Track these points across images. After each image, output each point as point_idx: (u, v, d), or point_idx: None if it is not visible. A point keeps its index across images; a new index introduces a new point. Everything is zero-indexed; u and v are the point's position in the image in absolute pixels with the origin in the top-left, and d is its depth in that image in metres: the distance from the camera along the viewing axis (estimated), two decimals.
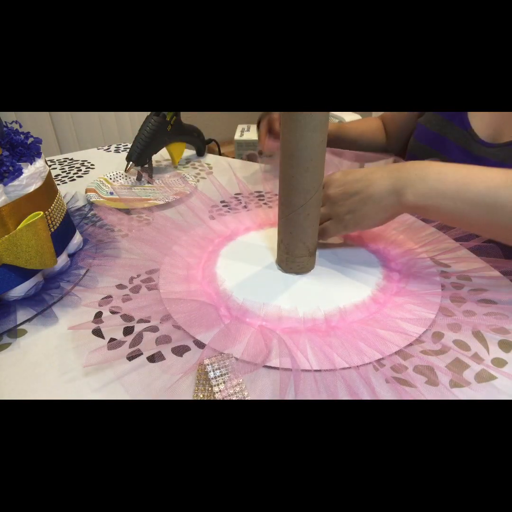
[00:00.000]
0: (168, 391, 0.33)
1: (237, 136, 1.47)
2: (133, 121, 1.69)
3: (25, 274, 0.41)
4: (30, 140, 0.45)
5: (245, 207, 0.63)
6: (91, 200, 0.65)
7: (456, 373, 0.34)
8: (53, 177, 0.64)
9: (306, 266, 0.46)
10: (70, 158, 0.87)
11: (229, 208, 0.63)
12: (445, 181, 0.40)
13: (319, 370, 0.34)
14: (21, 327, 0.40)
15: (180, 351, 0.37)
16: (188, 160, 0.85)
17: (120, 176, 0.75)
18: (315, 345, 0.36)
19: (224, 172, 0.78)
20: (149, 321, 0.40)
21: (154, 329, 0.39)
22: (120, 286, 0.45)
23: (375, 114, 1.02)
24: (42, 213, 0.41)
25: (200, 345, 0.37)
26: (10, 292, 0.41)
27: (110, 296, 0.43)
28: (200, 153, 0.87)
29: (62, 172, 0.80)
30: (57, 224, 0.46)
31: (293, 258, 0.45)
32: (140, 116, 1.68)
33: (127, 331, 0.39)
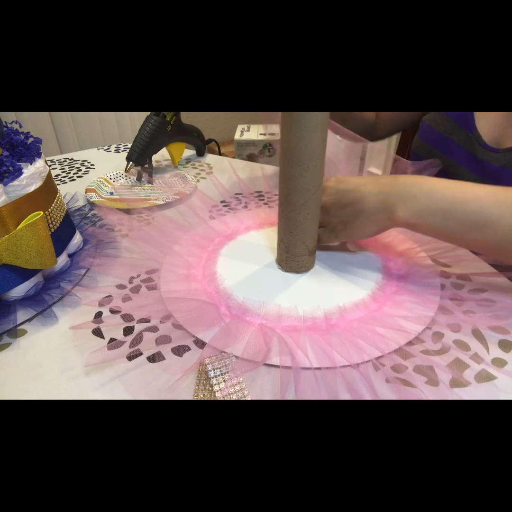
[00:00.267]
0: (169, 391, 0.33)
1: (237, 136, 1.47)
2: (133, 121, 1.69)
3: (25, 274, 0.41)
4: (30, 140, 0.45)
5: (245, 207, 0.63)
6: (91, 200, 0.65)
7: (456, 373, 0.34)
8: (53, 177, 0.65)
9: (306, 265, 0.46)
10: (70, 158, 0.87)
11: (229, 208, 0.63)
12: (437, 199, 0.40)
13: (319, 368, 0.34)
14: (21, 327, 0.40)
15: (180, 351, 0.37)
16: (188, 160, 0.85)
17: (120, 176, 0.75)
18: (315, 343, 0.36)
19: (224, 172, 0.78)
20: (149, 321, 0.40)
21: (154, 329, 0.39)
22: (120, 286, 0.45)
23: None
24: (42, 213, 0.41)
25: (200, 345, 0.37)
26: (10, 292, 0.41)
27: (110, 296, 0.44)
28: (200, 153, 0.87)
29: (62, 172, 0.80)
30: (57, 224, 0.46)
31: (293, 257, 0.45)
32: (140, 116, 1.68)
33: (127, 331, 0.39)
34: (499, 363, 0.35)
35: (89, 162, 0.85)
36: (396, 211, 0.41)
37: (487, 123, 0.59)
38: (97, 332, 0.39)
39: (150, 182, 0.73)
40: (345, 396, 0.32)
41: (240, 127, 1.55)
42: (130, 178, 0.75)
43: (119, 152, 0.91)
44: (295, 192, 0.41)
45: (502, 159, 0.55)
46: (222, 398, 0.32)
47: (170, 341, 0.37)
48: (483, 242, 0.40)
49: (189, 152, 0.88)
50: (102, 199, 0.67)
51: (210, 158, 0.87)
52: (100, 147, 0.94)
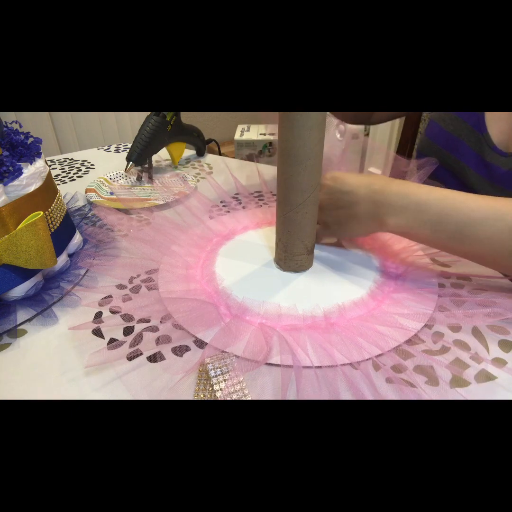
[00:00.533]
0: (170, 391, 0.33)
1: (237, 136, 1.48)
2: (133, 121, 1.69)
3: (25, 274, 0.42)
4: (30, 140, 0.45)
5: (244, 207, 0.63)
6: (91, 200, 0.65)
7: (457, 372, 0.34)
8: (53, 177, 0.65)
9: (304, 264, 0.46)
10: (70, 158, 0.87)
11: (228, 209, 0.63)
12: (427, 211, 0.40)
13: (320, 367, 0.34)
14: (21, 327, 0.40)
15: (180, 351, 0.37)
16: (188, 160, 0.85)
17: (120, 176, 0.75)
18: (315, 341, 0.36)
19: (223, 172, 0.78)
20: (149, 321, 0.40)
21: (154, 329, 0.39)
22: (120, 286, 0.45)
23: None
24: (42, 213, 0.41)
25: (200, 345, 0.37)
26: (10, 292, 0.41)
27: (110, 296, 0.44)
28: (200, 153, 0.87)
29: (62, 172, 0.80)
30: (57, 224, 0.46)
31: (291, 256, 0.45)
32: (140, 116, 1.68)
33: (127, 331, 0.39)
34: (499, 363, 0.35)
35: (89, 162, 0.85)
36: (386, 221, 0.42)
37: (498, 126, 0.58)
38: (97, 332, 0.39)
39: (149, 182, 0.73)
40: (346, 394, 0.32)
41: (240, 127, 1.55)
42: (130, 178, 0.75)
43: (119, 152, 0.91)
44: (293, 192, 0.41)
45: (510, 163, 0.55)
46: (222, 398, 0.32)
47: (170, 341, 0.37)
48: (475, 253, 0.40)
49: (189, 152, 0.88)
50: (102, 199, 0.67)
51: (210, 158, 0.87)
52: (100, 147, 0.94)
